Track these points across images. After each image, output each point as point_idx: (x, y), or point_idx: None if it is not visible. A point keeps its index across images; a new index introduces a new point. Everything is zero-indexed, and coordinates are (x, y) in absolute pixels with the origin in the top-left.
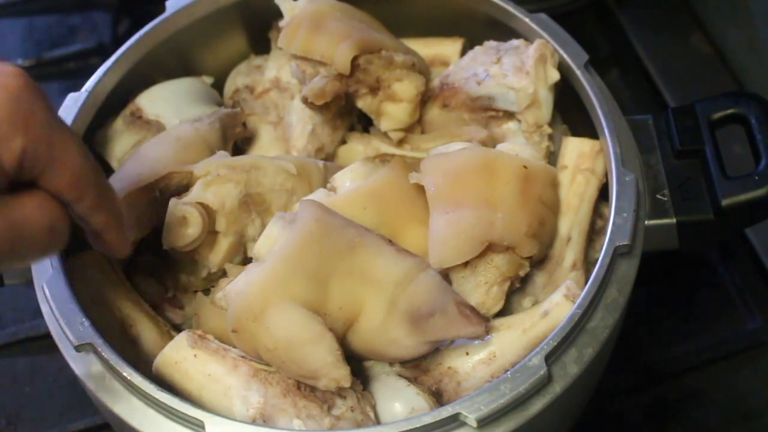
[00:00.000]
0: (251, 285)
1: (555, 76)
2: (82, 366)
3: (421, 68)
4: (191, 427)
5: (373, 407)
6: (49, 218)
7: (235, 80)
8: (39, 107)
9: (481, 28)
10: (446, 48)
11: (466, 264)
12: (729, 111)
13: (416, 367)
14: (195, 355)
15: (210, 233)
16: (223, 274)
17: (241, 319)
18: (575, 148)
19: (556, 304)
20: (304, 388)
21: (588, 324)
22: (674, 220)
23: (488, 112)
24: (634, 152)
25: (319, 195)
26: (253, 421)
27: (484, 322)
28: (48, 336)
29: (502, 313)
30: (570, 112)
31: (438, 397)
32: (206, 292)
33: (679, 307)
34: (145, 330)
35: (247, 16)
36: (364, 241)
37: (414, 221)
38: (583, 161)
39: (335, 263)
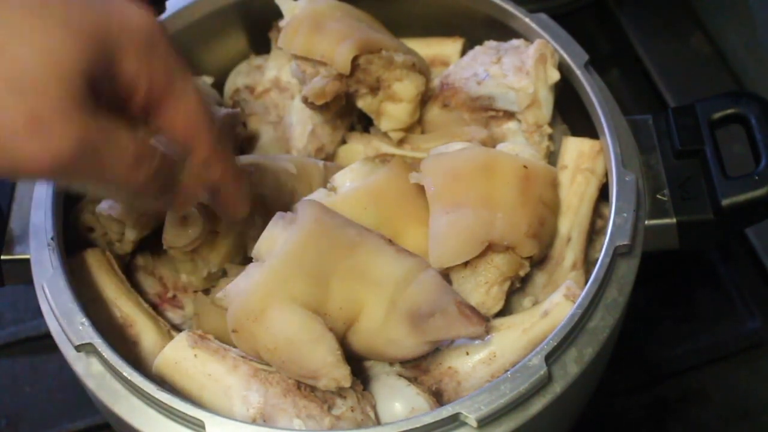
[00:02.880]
0: (251, 285)
1: (555, 76)
2: (82, 366)
3: (421, 68)
4: (191, 427)
5: (373, 407)
6: (138, 148)
7: (235, 80)
8: (165, 46)
9: (481, 28)
10: (446, 48)
11: (466, 264)
12: (729, 111)
13: (416, 367)
14: (195, 355)
15: (210, 233)
16: (223, 274)
17: (241, 319)
18: (575, 148)
19: (556, 304)
20: (304, 388)
21: (588, 324)
22: (674, 220)
23: (488, 112)
24: (634, 152)
25: (319, 195)
26: (253, 421)
27: (484, 322)
28: (48, 336)
29: (502, 313)
30: (570, 112)
31: (438, 397)
32: (206, 292)
33: (679, 307)
34: (145, 330)
35: (247, 16)
36: (364, 241)
37: (414, 221)
38: (583, 161)
39: (335, 263)
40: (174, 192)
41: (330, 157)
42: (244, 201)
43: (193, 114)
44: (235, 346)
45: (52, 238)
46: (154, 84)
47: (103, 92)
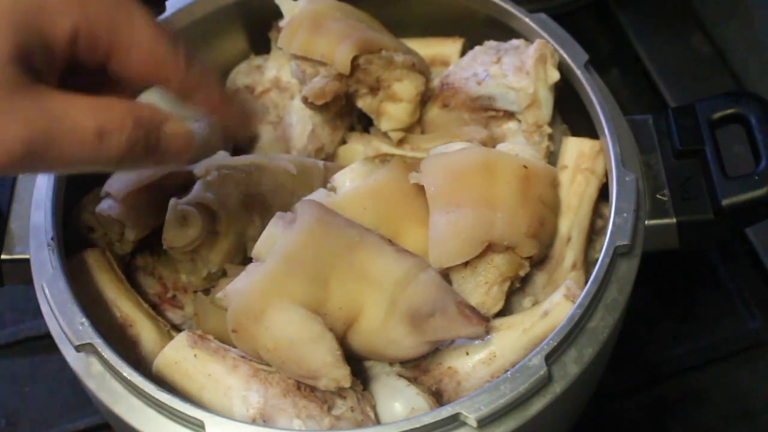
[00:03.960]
0: (251, 285)
1: (555, 76)
2: (82, 366)
3: (421, 68)
4: (191, 427)
5: (373, 407)
6: (98, 122)
7: (235, 80)
8: None
9: (481, 28)
10: (446, 48)
11: (466, 264)
12: (729, 111)
13: (416, 367)
14: (195, 355)
15: (210, 233)
16: (223, 274)
17: (241, 319)
18: (575, 148)
19: (556, 304)
20: (304, 388)
21: (588, 324)
22: (674, 220)
23: (488, 112)
24: (634, 152)
25: (319, 195)
26: (253, 421)
27: (484, 322)
28: (48, 336)
29: (502, 313)
30: (570, 112)
31: (438, 397)
32: (206, 292)
33: (679, 307)
34: (145, 330)
35: (247, 16)
36: (364, 241)
37: (414, 221)
38: (583, 161)
39: (335, 263)
40: (162, 148)
41: (330, 157)
42: (245, 118)
43: (151, 48)
44: (235, 346)
45: (52, 238)
46: (94, 31)
47: (43, 63)
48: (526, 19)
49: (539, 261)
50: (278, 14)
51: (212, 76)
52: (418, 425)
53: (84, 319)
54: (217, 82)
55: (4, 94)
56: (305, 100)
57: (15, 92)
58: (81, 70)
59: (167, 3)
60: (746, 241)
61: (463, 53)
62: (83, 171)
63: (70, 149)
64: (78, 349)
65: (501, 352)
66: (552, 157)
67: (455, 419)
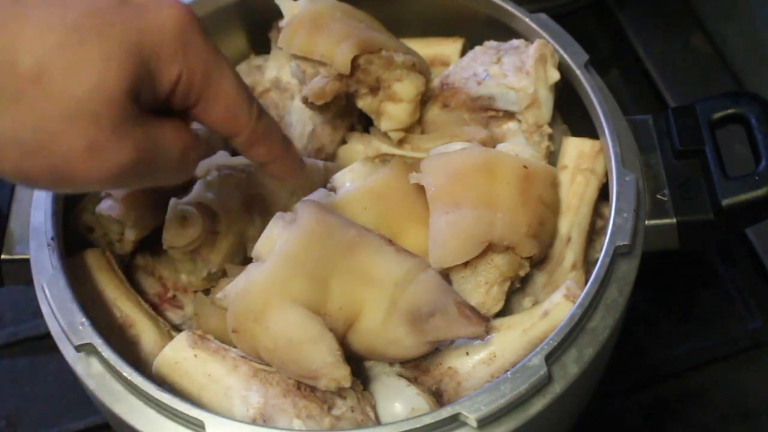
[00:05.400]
0: (251, 285)
1: (555, 76)
2: (82, 366)
3: (421, 68)
4: (191, 427)
5: (373, 407)
6: (182, 144)
7: None
8: (199, 38)
9: (481, 28)
10: (446, 48)
11: (466, 264)
12: (729, 111)
13: (416, 367)
14: (195, 355)
15: (210, 233)
16: (223, 274)
17: (241, 319)
18: (575, 148)
19: (556, 304)
20: (304, 388)
21: (588, 324)
22: (674, 220)
23: (488, 112)
24: (634, 152)
25: (319, 195)
26: (253, 422)
27: (485, 322)
28: (48, 336)
29: (502, 313)
30: (570, 112)
31: (438, 397)
32: (206, 292)
33: (679, 307)
34: (145, 330)
35: (247, 16)
36: (364, 241)
37: (414, 221)
38: (583, 161)
39: (335, 263)
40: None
41: (330, 157)
42: (295, 170)
43: (231, 103)
44: (235, 346)
45: (52, 238)
46: (192, 80)
47: (147, 98)
48: (526, 19)
49: (539, 261)
50: (278, 14)
51: (276, 131)
52: (418, 425)
53: (84, 319)
54: (279, 136)
55: (121, 122)
56: (305, 100)
57: (128, 121)
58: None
59: None
60: (746, 241)
61: (463, 53)
62: (162, 184)
63: (163, 166)
64: (78, 349)
65: (501, 352)
66: (552, 157)
67: (455, 419)
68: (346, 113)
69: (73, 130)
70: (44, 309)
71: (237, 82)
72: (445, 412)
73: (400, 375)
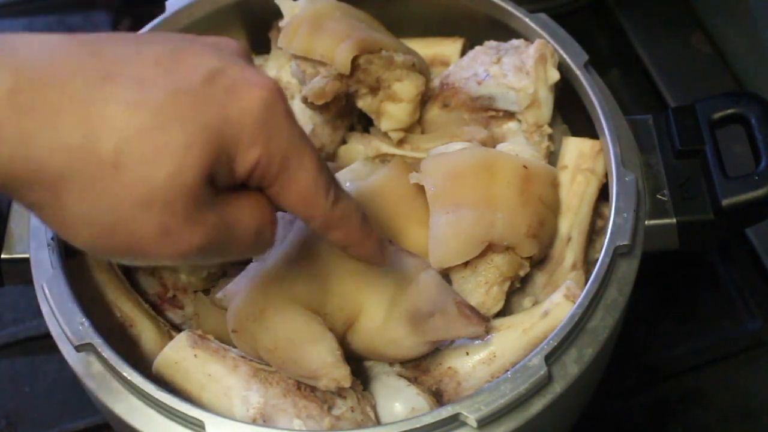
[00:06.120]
0: (251, 285)
1: (555, 76)
2: (82, 366)
3: (421, 68)
4: (191, 427)
5: (373, 407)
6: (258, 223)
7: None
8: (284, 123)
9: (481, 28)
10: (446, 48)
11: (466, 264)
12: (729, 111)
13: (416, 367)
14: (195, 355)
15: None
16: (223, 274)
17: (241, 319)
18: (575, 148)
19: (556, 304)
20: (304, 388)
21: (588, 324)
22: (674, 220)
23: (488, 112)
24: (634, 152)
25: None
26: (253, 421)
27: (484, 322)
28: (48, 336)
29: (502, 313)
30: (570, 112)
31: (438, 397)
32: (206, 292)
33: (679, 307)
34: (145, 330)
35: (247, 16)
36: None
37: (414, 221)
38: (583, 161)
39: (335, 263)
40: None
41: (330, 157)
42: (374, 254)
43: (306, 190)
44: (235, 346)
45: (52, 238)
46: (270, 165)
47: (223, 180)
48: (526, 19)
49: (539, 261)
50: (278, 14)
51: (355, 217)
52: (418, 425)
53: (84, 319)
54: (357, 223)
55: (195, 209)
56: (305, 100)
57: (201, 207)
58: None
59: (167, 3)
60: (746, 241)
61: (463, 53)
62: (238, 259)
63: (235, 247)
64: (78, 349)
65: (501, 352)
66: (552, 157)
67: (455, 419)
68: (346, 113)
69: (145, 216)
70: (44, 309)
71: (316, 168)
72: (445, 412)
73: (400, 375)
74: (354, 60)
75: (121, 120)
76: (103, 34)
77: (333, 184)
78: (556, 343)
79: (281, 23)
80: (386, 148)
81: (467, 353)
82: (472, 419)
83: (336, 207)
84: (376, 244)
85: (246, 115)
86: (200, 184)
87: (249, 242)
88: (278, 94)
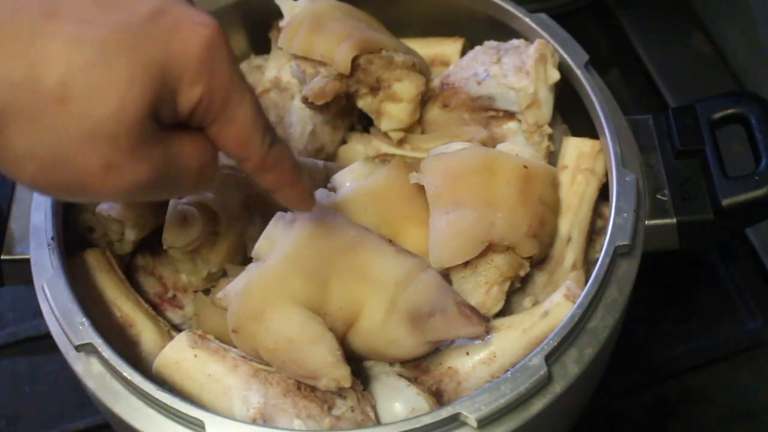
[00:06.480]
0: (251, 285)
1: (555, 76)
2: (82, 366)
3: (421, 68)
4: (191, 427)
5: (373, 407)
6: (201, 160)
7: None
8: (225, 62)
9: (481, 28)
10: (446, 48)
11: (466, 264)
12: (729, 111)
13: (416, 367)
14: (195, 355)
15: (210, 233)
16: (223, 274)
17: (241, 319)
18: (575, 148)
19: (556, 304)
20: (305, 388)
21: (588, 324)
22: (674, 220)
23: (488, 112)
24: (634, 152)
25: (319, 195)
26: (253, 421)
27: (485, 322)
28: (48, 336)
29: (503, 313)
30: (570, 112)
31: (438, 397)
32: (206, 292)
33: (679, 307)
34: (145, 330)
35: (247, 16)
36: (364, 241)
37: (414, 221)
38: (583, 161)
39: (335, 263)
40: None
41: (330, 157)
42: (302, 200)
43: (244, 129)
44: (235, 346)
45: (52, 238)
46: (211, 102)
47: (166, 116)
48: (526, 19)
49: (539, 261)
50: (278, 14)
51: (288, 161)
52: (418, 425)
53: (84, 319)
54: (289, 166)
55: (139, 143)
56: (305, 100)
57: (146, 141)
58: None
59: None
60: (746, 241)
61: (463, 53)
62: (180, 196)
63: (178, 183)
64: (78, 349)
65: (501, 352)
66: (552, 157)
67: (455, 419)
68: (346, 113)
69: (89, 150)
70: (44, 309)
71: (255, 109)
72: (445, 412)
73: (400, 375)
74: (354, 60)
75: (65, 55)
76: None
77: (269, 128)
78: (556, 343)
79: (281, 23)
80: (386, 148)
81: (467, 353)
82: (472, 419)
83: (271, 149)
84: (305, 189)
85: (189, 54)
86: (144, 119)
87: (192, 179)
88: (220, 35)
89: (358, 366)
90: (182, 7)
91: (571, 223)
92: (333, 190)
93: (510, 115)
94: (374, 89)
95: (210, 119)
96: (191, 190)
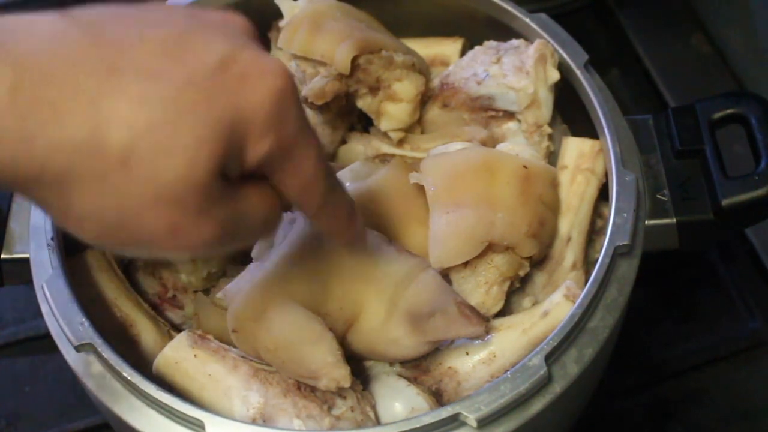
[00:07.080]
0: (251, 285)
1: (555, 76)
2: (82, 366)
3: (421, 68)
4: (191, 427)
5: (373, 407)
6: (266, 212)
7: None
8: (293, 113)
9: (481, 28)
10: (446, 48)
11: (466, 264)
12: (729, 111)
13: (416, 367)
14: (195, 355)
15: None
16: (223, 274)
17: (241, 319)
18: (575, 148)
19: (556, 304)
20: (304, 388)
21: (588, 324)
22: (674, 220)
23: (488, 112)
24: (634, 152)
25: None
26: (253, 421)
27: (484, 322)
28: (48, 336)
29: (502, 313)
30: (570, 112)
31: (438, 397)
32: (206, 292)
33: (679, 307)
34: (145, 330)
35: (247, 16)
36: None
37: (414, 221)
38: (583, 161)
39: (335, 263)
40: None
41: (330, 157)
42: (351, 244)
43: (307, 181)
44: (235, 346)
45: (52, 239)
46: (280, 152)
47: (233, 171)
48: (526, 19)
49: (539, 261)
50: (278, 14)
51: (343, 207)
52: (418, 425)
53: (84, 319)
54: (344, 213)
55: (206, 203)
56: (305, 100)
57: (213, 200)
58: None
59: (167, 3)
60: (746, 241)
61: (463, 53)
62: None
63: (246, 235)
64: (78, 349)
65: (501, 352)
66: (552, 157)
67: (455, 419)
68: (346, 113)
69: (155, 213)
70: (44, 309)
71: (318, 156)
72: (445, 412)
73: (400, 375)
74: (354, 60)
75: (129, 115)
76: (103, 11)
77: (330, 174)
78: (556, 343)
79: (281, 23)
80: (386, 148)
81: (467, 353)
82: (472, 419)
83: (330, 196)
84: (356, 234)
85: (259, 106)
86: (212, 180)
87: (258, 230)
88: (290, 82)
89: (358, 366)
90: (251, 53)
91: (571, 223)
92: None
93: (510, 115)
94: (374, 89)
95: (273, 170)
96: (255, 240)
